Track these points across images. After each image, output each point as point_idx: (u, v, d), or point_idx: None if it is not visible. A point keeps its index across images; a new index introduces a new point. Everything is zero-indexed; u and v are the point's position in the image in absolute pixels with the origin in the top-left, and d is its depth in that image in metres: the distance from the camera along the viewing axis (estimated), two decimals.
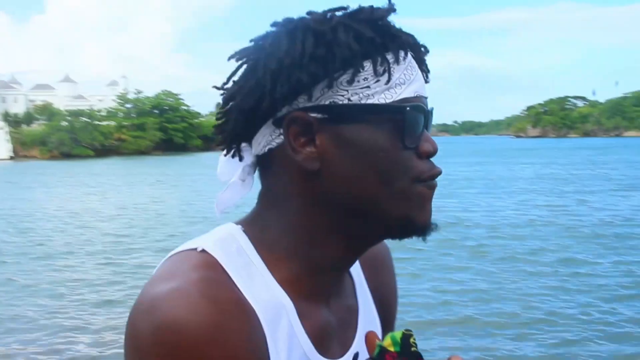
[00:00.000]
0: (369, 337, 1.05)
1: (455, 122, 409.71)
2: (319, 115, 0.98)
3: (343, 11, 1.00)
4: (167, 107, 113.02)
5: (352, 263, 1.10)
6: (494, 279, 11.58)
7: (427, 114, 1.02)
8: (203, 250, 0.97)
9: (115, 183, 38.54)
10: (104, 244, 16.85)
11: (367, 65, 0.98)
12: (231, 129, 1.04)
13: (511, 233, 16.12)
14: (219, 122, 1.07)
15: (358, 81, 0.97)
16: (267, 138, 1.02)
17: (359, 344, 1.10)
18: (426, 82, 1.06)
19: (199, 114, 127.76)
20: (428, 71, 1.07)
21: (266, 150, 1.03)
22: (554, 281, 11.34)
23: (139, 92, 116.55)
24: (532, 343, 8.26)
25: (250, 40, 1.03)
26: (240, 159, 1.08)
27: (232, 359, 0.88)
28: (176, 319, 0.86)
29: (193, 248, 0.98)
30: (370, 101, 0.98)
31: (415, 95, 1.00)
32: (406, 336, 1.01)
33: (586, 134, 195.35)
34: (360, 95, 0.98)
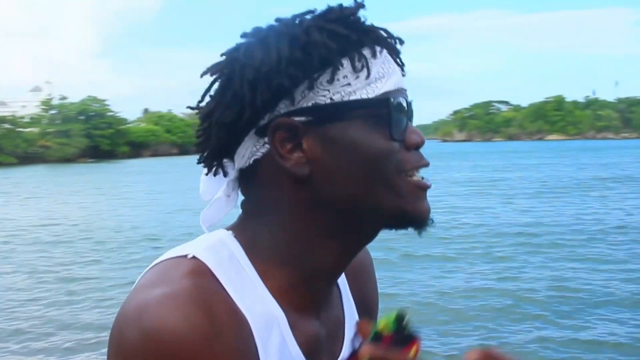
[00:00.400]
0: (361, 326, 1.05)
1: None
2: (303, 119, 0.98)
3: (311, 14, 1.01)
4: (93, 113, 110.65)
5: (344, 268, 1.08)
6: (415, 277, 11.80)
7: (410, 106, 1.03)
8: (194, 257, 0.95)
9: (39, 191, 37.58)
10: (26, 254, 16.43)
11: (345, 62, 0.98)
12: (214, 144, 1.03)
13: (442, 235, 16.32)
14: (199, 140, 1.06)
15: (338, 79, 0.97)
16: (251, 149, 1.01)
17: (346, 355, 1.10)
18: (403, 75, 1.07)
19: (126, 120, 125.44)
20: (403, 64, 1.08)
21: (251, 162, 1.02)
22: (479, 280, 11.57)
23: (64, 97, 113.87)
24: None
25: (222, 55, 1.03)
26: (225, 175, 1.06)
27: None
28: (166, 325, 0.84)
29: (183, 255, 0.96)
30: (352, 98, 0.98)
31: (396, 87, 1.01)
32: (400, 317, 1.01)
33: (510, 138, 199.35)
34: (342, 93, 0.98)
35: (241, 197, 1.09)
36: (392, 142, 0.99)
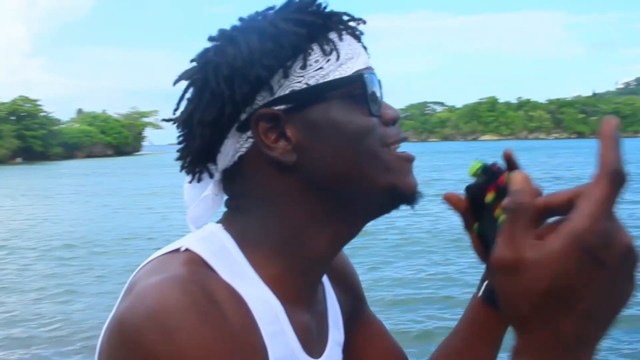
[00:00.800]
0: (448, 196, 1.09)
1: None
2: (283, 107, 1.00)
3: (272, 10, 1.04)
4: (24, 114, 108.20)
5: (335, 256, 1.10)
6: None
7: (380, 83, 1.06)
8: (187, 250, 0.96)
9: None
10: None
11: (315, 47, 1.00)
12: (198, 147, 1.03)
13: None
14: (181, 147, 1.07)
15: (310, 64, 1.00)
16: (235, 146, 1.02)
17: (331, 349, 1.12)
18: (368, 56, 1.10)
19: (59, 120, 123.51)
20: (365, 46, 1.09)
21: (236, 159, 1.03)
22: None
23: None
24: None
25: (191, 60, 1.05)
26: (211, 177, 1.07)
27: (229, 345, 0.85)
28: (168, 302, 0.83)
29: (175, 249, 0.97)
30: (327, 80, 1.00)
31: (366, 66, 1.04)
32: (479, 162, 1.04)
33: (445, 138, 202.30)
34: (317, 77, 1.00)
35: (225, 197, 1.11)
36: (371, 117, 1.01)
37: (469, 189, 1.08)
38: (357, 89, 1.02)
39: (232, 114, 1.00)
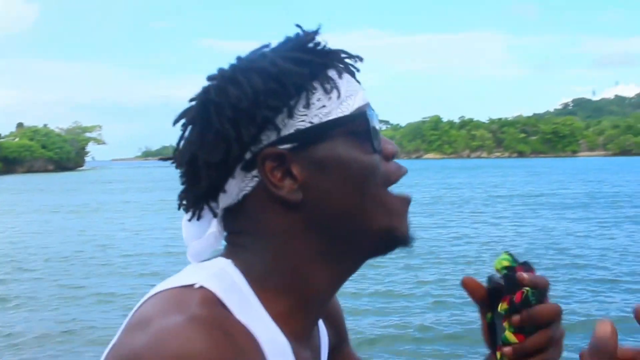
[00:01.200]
0: (468, 282, 1.10)
1: None
2: (289, 145, 1.00)
3: (268, 48, 1.05)
4: None
5: (334, 294, 1.11)
6: None
7: (377, 118, 1.08)
8: (201, 287, 0.94)
9: None
10: None
11: (317, 85, 1.01)
12: (205, 187, 1.03)
13: None
14: (185, 186, 1.07)
15: (313, 103, 1.00)
16: (239, 185, 1.02)
17: None
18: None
19: None
20: (358, 81, 1.10)
21: (240, 198, 1.03)
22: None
23: None
24: None
25: (190, 100, 1.06)
26: (215, 215, 1.07)
27: None
28: (194, 349, 0.81)
29: (188, 284, 0.96)
30: (330, 118, 1.01)
31: (365, 102, 1.06)
32: (509, 254, 1.07)
33: None
34: (320, 115, 1.00)
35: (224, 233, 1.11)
36: (373, 154, 1.03)
37: (490, 280, 1.09)
38: (359, 126, 1.03)
39: (238, 155, 1.00)
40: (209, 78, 1.03)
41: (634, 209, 26.31)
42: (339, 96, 1.02)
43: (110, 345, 0.91)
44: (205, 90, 1.02)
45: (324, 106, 1.01)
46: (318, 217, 1.02)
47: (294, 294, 1.02)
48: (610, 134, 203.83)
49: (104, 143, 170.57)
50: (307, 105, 1.00)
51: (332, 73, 1.03)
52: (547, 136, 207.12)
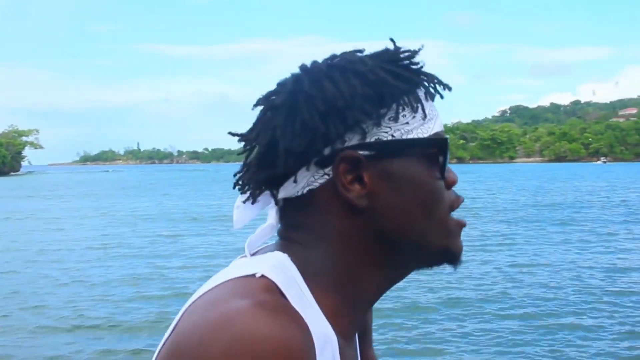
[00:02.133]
0: None
1: (206, 149, 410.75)
2: (367, 153, 1.01)
3: (361, 53, 1.07)
4: None
5: (381, 296, 1.12)
6: None
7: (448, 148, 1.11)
8: (263, 276, 0.96)
9: None
10: None
11: (407, 102, 1.03)
12: (281, 172, 1.03)
13: None
14: (254, 168, 1.07)
15: (399, 118, 1.02)
16: (308, 179, 1.03)
17: None
18: None
19: None
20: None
21: (305, 192, 1.04)
22: None
23: None
24: None
25: (278, 84, 1.07)
26: (277, 203, 1.08)
27: None
28: (260, 330, 0.82)
29: (250, 274, 0.97)
30: (410, 136, 1.03)
31: (442, 129, 1.09)
32: None
33: None
34: (402, 131, 1.02)
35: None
36: (440, 180, 1.05)
37: None
38: (434, 151, 1.05)
39: (319, 149, 1.01)
40: (301, 68, 1.05)
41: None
42: (423, 117, 1.04)
43: (168, 333, 0.92)
44: (297, 80, 1.03)
45: (407, 123, 1.02)
46: (379, 227, 1.03)
47: (344, 294, 1.04)
48: (546, 140, 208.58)
49: (41, 147, 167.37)
50: (395, 119, 1.02)
51: (421, 94, 1.05)
52: (485, 142, 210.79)
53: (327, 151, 1.01)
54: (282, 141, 1.01)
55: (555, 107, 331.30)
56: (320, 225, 1.04)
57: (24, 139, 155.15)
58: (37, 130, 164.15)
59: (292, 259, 1.03)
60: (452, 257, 1.09)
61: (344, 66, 1.03)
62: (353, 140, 1.01)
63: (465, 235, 1.11)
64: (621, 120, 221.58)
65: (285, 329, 0.85)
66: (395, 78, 1.02)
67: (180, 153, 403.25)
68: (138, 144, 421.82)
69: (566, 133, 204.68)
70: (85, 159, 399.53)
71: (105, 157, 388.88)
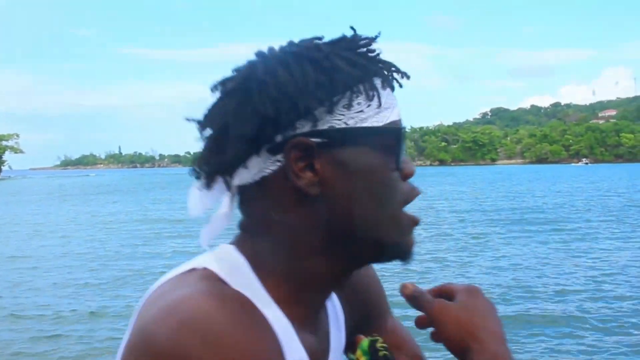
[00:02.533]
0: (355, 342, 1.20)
1: (188, 153, 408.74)
2: (319, 140, 1.00)
3: (320, 40, 1.05)
4: None
5: (340, 285, 1.13)
6: None
7: (405, 138, 1.08)
8: (204, 268, 0.98)
9: None
10: None
11: (362, 90, 1.01)
12: (229, 159, 1.02)
13: None
14: (206, 153, 1.07)
15: (353, 105, 1.00)
16: (260, 165, 1.02)
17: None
18: None
19: None
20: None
21: (258, 178, 1.03)
22: None
23: None
24: None
25: (233, 70, 1.06)
26: (229, 189, 1.07)
27: (265, 353, 0.88)
28: (203, 313, 0.85)
29: (193, 268, 0.99)
30: (364, 124, 1.01)
31: (399, 118, 1.06)
32: (372, 342, 1.16)
33: None
34: (356, 119, 1.00)
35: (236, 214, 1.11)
36: (395, 171, 1.04)
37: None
38: (389, 141, 1.04)
39: (269, 135, 1.00)
40: (257, 54, 1.04)
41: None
42: (378, 106, 1.02)
43: (128, 332, 0.94)
44: (252, 66, 1.03)
45: (362, 111, 1.01)
46: (330, 216, 1.02)
47: (295, 282, 1.04)
48: (527, 142, 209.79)
49: (21, 152, 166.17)
50: (348, 106, 1.00)
51: (377, 82, 1.03)
52: (467, 144, 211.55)
53: (278, 138, 0.99)
54: (232, 126, 1.00)
55: (535, 109, 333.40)
56: (270, 213, 1.03)
57: (4, 143, 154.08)
58: (18, 135, 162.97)
59: (240, 250, 1.04)
60: (402, 253, 1.08)
61: (299, 53, 1.01)
62: (305, 127, 0.99)
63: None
64: (601, 122, 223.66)
65: (227, 308, 0.87)
66: (350, 65, 1.01)
67: (162, 157, 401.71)
68: (119, 147, 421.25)
69: (547, 135, 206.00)
70: (66, 163, 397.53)
71: (86, 162, 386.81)
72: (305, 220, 1.02)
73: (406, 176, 1.07)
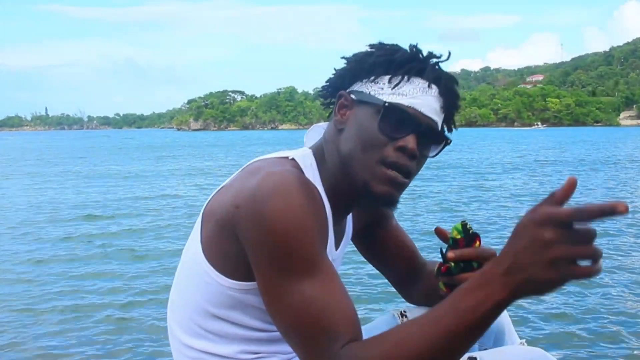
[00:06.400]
0: (439, 231, 1.68)
1: (117, 114, 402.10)
2: (354, 97, 1.57)
3: (415, 49, 1.59)
4: None
5: (357, 202, 1.67)
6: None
7: (419, 125, 1.51)
8: (293, 159, 1.57)
9: None
10: None
11: (389, 76, 1.54)
12: (327, 95, 1.72)
13: None
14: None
15: (377, 82, 1.55)
16: (335, 102, 1.63)
17: (342, 248, 1.78)
18: (443, 111, 1.59)
19: None
20: (451, 118, 1.64)
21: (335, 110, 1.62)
22: None
23: None
24: None
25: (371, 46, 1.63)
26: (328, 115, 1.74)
27: (321, 220, 1.44)
28: (288, 185, 1.36)
29: (285, 156, 1.58)
30: (378, 97, 1.52)
31: (410, 106, 1.51)
32: (464, 225, 1.58)
33: (245, 127, 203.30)
34: (375, 92, 1.54)
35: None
36: (381, 135, 1.49)
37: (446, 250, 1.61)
38: (390, 114, 1.49)
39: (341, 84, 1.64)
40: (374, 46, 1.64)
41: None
42: (392, 88, 1.52)
43: (222, 187, 1.55)
44: (380, 47, 1.62)
45: (382, 88, 1.54)
46: (342, 146, 1.56)
47: (335, 187, 1.60)
48: None
49: None
50: (375, 82, 1.56)
51: (412, 77, 1.53)
52: None
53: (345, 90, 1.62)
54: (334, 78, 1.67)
55: (466, 73, 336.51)
56: (329, 131, 1.63)
57: None
58: None
59: (314, 154, 1.63)
60: (373, 194, 1.51)
61: (379, 49, 1.61)
62: (355, 87, 1.59)
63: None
64: (528, 86, 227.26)
65: (306, 187, 1.40)
66: (404, 62, 1.53)
67: (90, 118, 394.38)
68: (46, 109, 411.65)
69: (476, 99, 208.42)
70: None
71: (11, 123, 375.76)
72: (334, 144, 1.58)
73: (398, 147, 1.49)
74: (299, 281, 1.32)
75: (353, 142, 1.52)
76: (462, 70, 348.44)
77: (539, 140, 64.49)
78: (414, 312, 1.96)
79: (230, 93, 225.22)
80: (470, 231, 1.57)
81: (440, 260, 1.61)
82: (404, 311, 2.00)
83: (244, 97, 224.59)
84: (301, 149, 1.66)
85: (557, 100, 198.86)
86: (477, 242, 1.57)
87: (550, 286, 1.08)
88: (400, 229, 2.01)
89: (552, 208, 1.07)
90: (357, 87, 1.58)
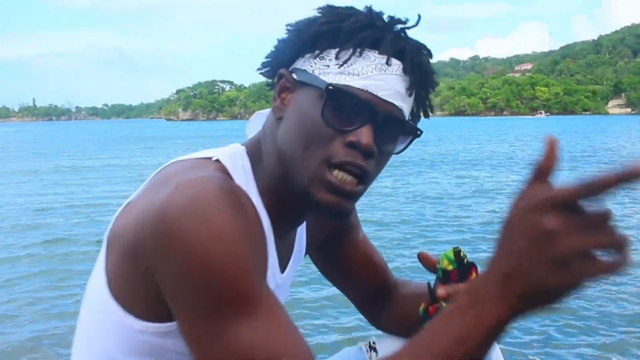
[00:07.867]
0: (423, 257, 1.37)
1: (105, 105, 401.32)
2: (295, 77, 1.19)
3: (369, 10, 1.19)
4: None
5: (303, 211, 1.28)
6: None
7: (375, 114, 1.12)
8: (217, 160, 1.16)
9: None
10: None
11: (336, 50, 1.15)
12: (267, 75, 1.29)
13: None
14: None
15: (323, 58, 1.16)
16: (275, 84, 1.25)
17: (290, 269, 1.39)
18: (410, 95, 1.18)
19: None
20: (426, 93, 1.27)
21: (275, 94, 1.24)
22: None
23: None
24: None
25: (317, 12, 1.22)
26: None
27: (255, 239, 1.04)
28: (209, 197, 0.98)
29: (208, 157, 1.17)
30: (322, 77, 1.14)
31: (362, 88, 1.12)
32: (457, 252, 1.27)
33: (234, 117, 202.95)
34: (320, 70, 1.15)
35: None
36: (326, 126, 1.11)
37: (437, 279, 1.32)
38: (336, 99, 1.11)
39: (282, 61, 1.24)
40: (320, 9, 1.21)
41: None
42: (339, 66, 1.13)
43: (128, 203, 1.16)
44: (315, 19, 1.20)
45: (327, 66, 1.15)
46: (280, 141, 1.17)
47: (275, 194, 1.21)
48: (446, 95, 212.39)
49: None
50: (320, 57, 1.16)
51: (365, 51, 1.14)
52: None
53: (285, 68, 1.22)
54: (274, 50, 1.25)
55: (455, 62, 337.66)
56: (266, 122, 1.25)
57: None
58: None
59: (249, 151, 1.23)
60: (315, 204, 1.15)
61: (326, 10, 1.20)
62: (297, 64, 1.20)
63: None
64: (517, 75, 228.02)
65: (230, 197, 1.00)
66: (345, 29, 1.14)
67: (78, 109, 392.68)
68: (34, 99, 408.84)
69: (465, 88, 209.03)
70: None
71: None
72: (273, 138, 1.19)
73: (348, 143, 1.11)
74: (233, 324, 0.96)
75: (292, 135, 1.14)
76: (451, 59, 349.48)
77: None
78: (384, 343, 1.64)
79: (219, 83, 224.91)
80: (465, 260, 1.27)
81: (428, 294, 1.31)
82: (373, 342, 1.66)
83: (233, 87, 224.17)
84: (231, 145, 1.25)
85: (546, 89, 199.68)
86: (474, 274, 1.26)
87: (561, 293, 0.80)
88: (368, 242, 1.64)
89: (547, 188, 0.80)
90: (300, 64, 1.19)
